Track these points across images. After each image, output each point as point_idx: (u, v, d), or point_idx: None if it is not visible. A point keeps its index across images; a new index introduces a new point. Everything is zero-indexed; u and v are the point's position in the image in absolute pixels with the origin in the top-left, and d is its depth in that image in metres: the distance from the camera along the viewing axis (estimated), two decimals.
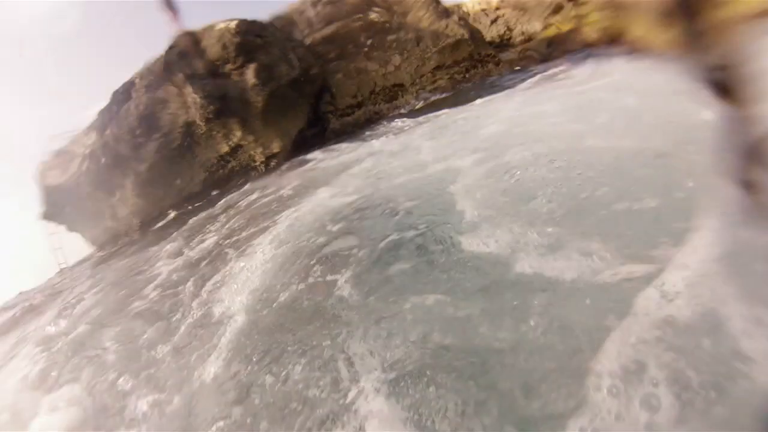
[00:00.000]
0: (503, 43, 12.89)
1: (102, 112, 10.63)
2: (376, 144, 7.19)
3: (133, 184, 10.66)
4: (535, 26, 12.48)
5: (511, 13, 13.03)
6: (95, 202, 11.28)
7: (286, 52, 9.92)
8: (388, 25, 10.19)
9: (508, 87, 8.24)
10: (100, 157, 10.51)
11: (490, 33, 12.90)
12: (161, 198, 10.98)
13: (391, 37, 10.28)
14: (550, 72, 8.32)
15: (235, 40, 9.47)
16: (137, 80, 10.37)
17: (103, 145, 10.47)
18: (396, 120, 9.62)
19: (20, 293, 8.97)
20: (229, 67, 9.66)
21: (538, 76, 8.34)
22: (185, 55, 10.23)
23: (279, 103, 10.01)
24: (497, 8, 13.29)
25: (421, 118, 8.18)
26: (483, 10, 13.36)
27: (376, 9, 10.17)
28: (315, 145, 10.07)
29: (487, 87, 9.25)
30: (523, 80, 8.43)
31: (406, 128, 7.90)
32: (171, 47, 10.33)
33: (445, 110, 8.10)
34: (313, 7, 10.41)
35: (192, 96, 9.86)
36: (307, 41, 10.32)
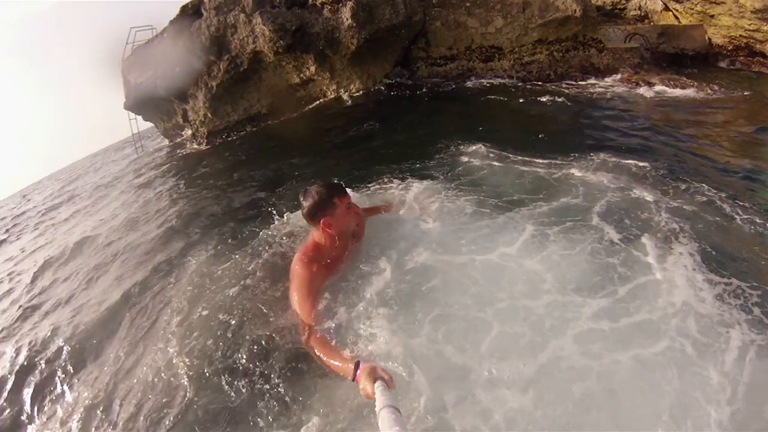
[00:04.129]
0: (613, 12, 11.38)
1: (173, 23, 10.08)
2: None
3: (205, 97, 10.75)
4: (656, 4, 10.84)
5: None
6: (169, 104, 11.50)
7: None
8: None
9: None
10: (174, 66, 10.32)
11: None
12: (228, 113, 11.23)
13: None
14: None
15: None
16: (206, 1, 9.66)
17: (177, 55, 10.18)
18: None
19: None
20: (321, 0, 8.86)
21: None
22: None
23: (372, 47, 9.47)
24: None
25: None
26: None
27: None
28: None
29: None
30: None
31: None
32: None
33: None
34: None
35: (261, 27, 9.29)
36: None
